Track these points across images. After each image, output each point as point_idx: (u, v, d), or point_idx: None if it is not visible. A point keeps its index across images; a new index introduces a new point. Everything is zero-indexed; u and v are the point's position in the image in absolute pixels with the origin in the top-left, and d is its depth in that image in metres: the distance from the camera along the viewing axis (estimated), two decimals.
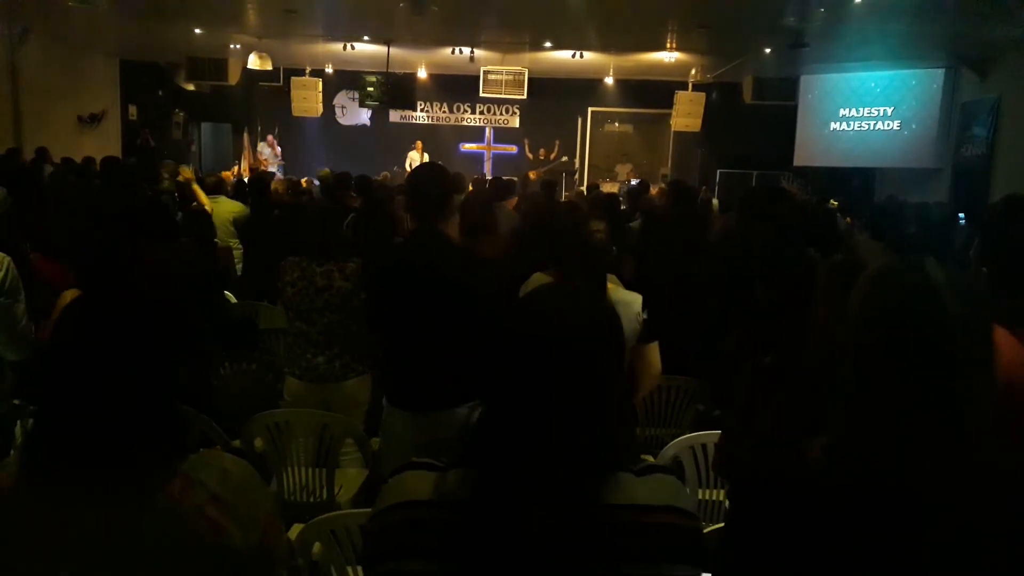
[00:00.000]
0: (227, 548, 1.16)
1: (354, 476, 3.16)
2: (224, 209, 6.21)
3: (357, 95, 12.54)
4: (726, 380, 2.52)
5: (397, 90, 11.92)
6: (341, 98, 15.17)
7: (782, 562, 1.26)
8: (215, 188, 6.73)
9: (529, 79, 12.45)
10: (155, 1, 9.11)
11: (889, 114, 11.91)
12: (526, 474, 1.04)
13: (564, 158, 13.60)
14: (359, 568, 1.95)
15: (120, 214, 4.04)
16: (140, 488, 1.14)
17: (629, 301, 2.97)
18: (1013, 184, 7.88)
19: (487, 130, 15.39)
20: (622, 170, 14.62)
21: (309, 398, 3.20)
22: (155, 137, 13.55)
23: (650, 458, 2.72)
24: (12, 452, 2.54)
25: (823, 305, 1.77)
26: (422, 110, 15.03)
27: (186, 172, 7.35)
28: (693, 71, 12.24)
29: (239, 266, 5.90)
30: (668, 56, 11.47)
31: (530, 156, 13.66)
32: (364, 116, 15.23)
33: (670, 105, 12.78)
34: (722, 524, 1.94)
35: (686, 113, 12.51)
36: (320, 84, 13.11)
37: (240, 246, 6.00)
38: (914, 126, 11.68)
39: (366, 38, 11.22)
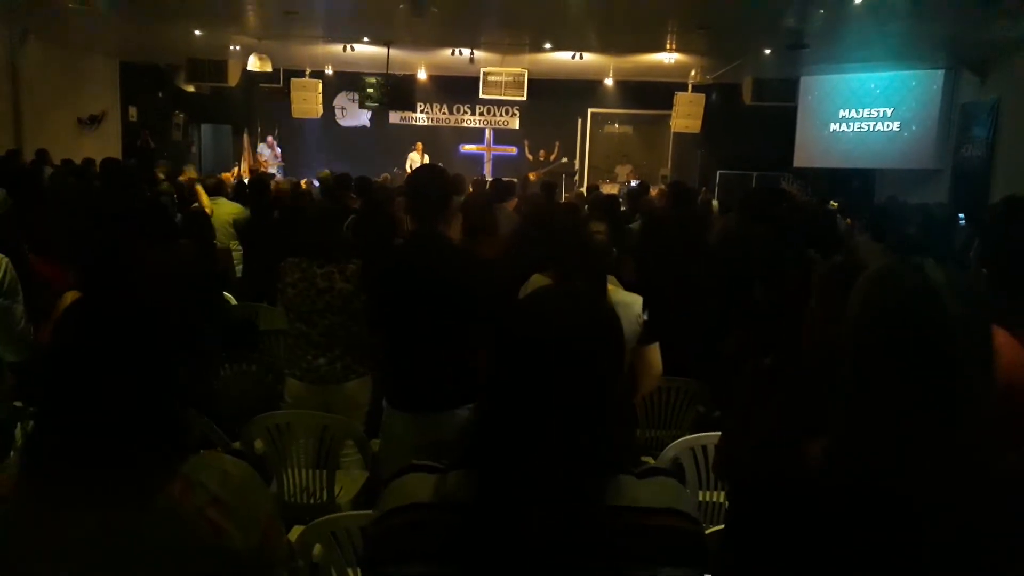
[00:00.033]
0: (227, 550, 1.16)
1: (354, 478, 3.17)
2: (224, 211, 6.22)
3: (357, 96, 12.52)
4: (726, 381, 2.52)
5: (397, 91, 11.91)
6: (341, 99, 15.16)
7: (782, 563, 1.26)
8: (215, 190, 6.75)
9: (529, 80, 12.46)
10: (155, 2, 9.11)
11: (889, 115, 11.91)
12: (526, 475, 1.04)
13: (564, 159, 13.61)
14: (359, 570, 1.95)
15: (120, 216, 4.04)
16: (140, 489, 1.14)
17: (629, 303, 2.97)
18: (1013, 185, 7.87)
19: (487, 131, 15.37)
20: (622, 171, 14.61)
21: (310, 400, 3.19)
22: (155, 139, 13.57)
23: (651, 460, 2.72)
24: (12, 454, 2.55)
25: (819, 306, 1.76)
26: (422, 111, 15.02)
27: (189, 172, 7.36)
28: (693, 72, 12.24)
29: (238, 268, 5.91)
30: (668, 57, 11.47)
31: (530, 157, 13.68)
32: (364, 117, 15.21)
33: (670, 106, 12.79)
34: (722, 526, 1.93)
35: (686, 114, 12.52)
36: (320, 85, 13.12)
37: (239, 248, 6.01)
38: (914, 127, 11.69)
39: (366, 39, 11.22)
